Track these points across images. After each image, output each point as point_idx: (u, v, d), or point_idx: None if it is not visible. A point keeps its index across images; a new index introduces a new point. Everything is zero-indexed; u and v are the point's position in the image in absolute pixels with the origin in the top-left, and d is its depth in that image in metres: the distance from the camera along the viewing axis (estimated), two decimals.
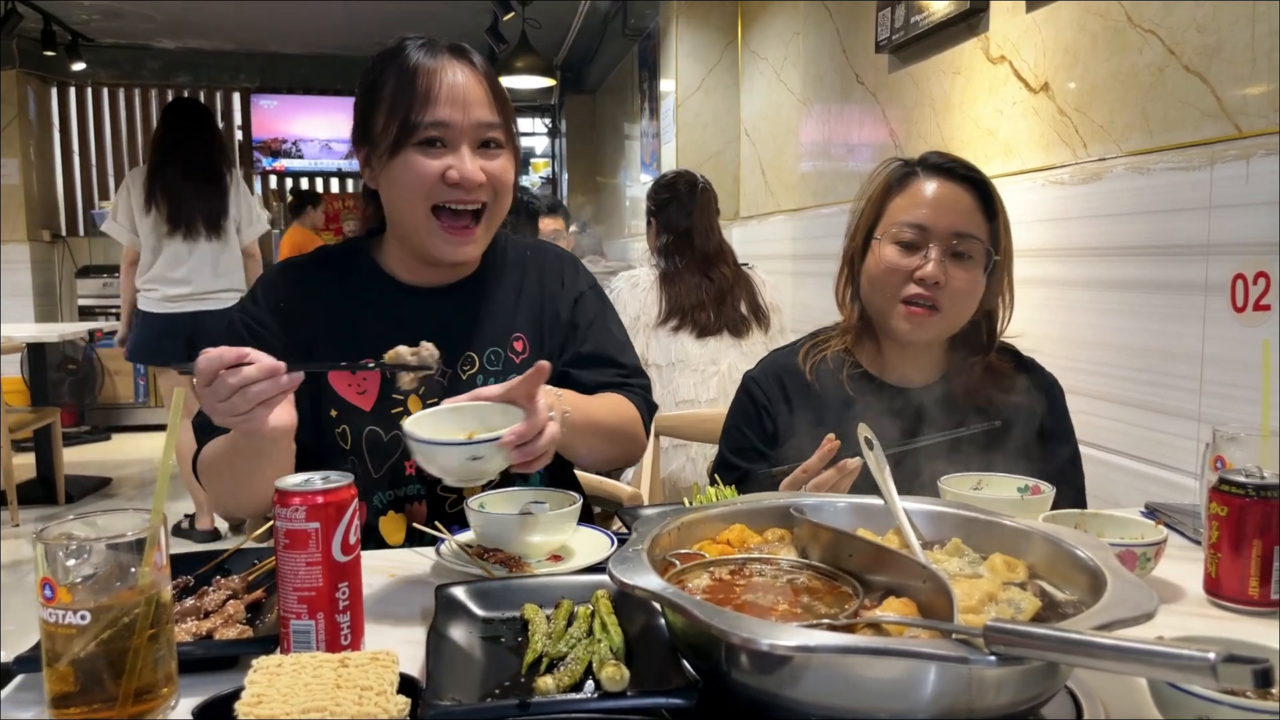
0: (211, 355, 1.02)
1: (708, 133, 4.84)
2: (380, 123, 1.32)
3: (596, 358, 1.45)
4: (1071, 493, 1.50)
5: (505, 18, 5.61)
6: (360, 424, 1.37)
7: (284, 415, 1.10)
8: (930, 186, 1.44)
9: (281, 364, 1.04)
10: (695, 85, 4.90)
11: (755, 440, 1.52)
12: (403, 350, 1.17)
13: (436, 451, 1.06)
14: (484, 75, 1.35)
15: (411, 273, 1.42)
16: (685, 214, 2.88)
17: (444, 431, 1.10)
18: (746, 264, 2.93)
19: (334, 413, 1.37)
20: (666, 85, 5.17)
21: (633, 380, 1.48)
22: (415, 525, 1.27)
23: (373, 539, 1.37)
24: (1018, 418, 1.47)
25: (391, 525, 1.38)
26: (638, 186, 6.52)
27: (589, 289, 1.53)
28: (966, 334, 1.49)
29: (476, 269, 1.46)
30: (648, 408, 1.48)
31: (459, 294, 1.43)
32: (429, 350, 1.17)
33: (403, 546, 1.34)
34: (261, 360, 1.03)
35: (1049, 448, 1.50)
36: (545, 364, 1.12)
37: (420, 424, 1.09)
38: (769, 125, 4.32)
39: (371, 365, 1.19)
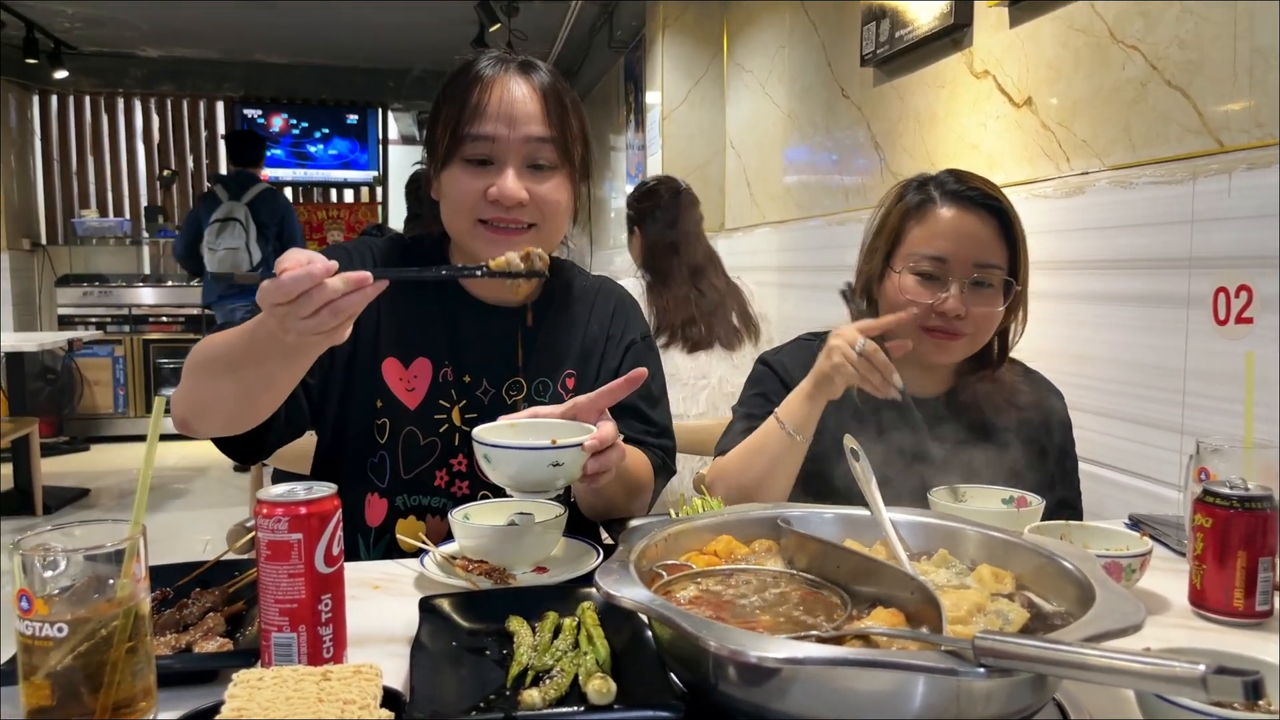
0: (298, 274, 0.91)
1: (693, 145, 4.85)
2: (438, 133, 1.32)
3: (630, 410, 1.42)
4: (1069, 508, 1.51)
5: (492, 29, 5.62)
6: (402, 421, 1.35)
7: (347, 329, 0.99)
8: (949, 216, 1.44)
9: (367, 274, 0.95)
10: (681, 97, 4.92)
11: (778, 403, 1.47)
12: (512, 256, 1.13)
13: (516, 456, 1.06)
14: (544, 92, 1.31)
15: (478, 287, 1.40)
16: (670, 222, 2.78)
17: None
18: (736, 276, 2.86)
19: (379, 404, 1.35)
20: (652, 97, 5.18)
21: (658, 441, 1.46)
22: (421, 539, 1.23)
23: (386, 539, 1.35)
24: (1023, 430, 1.48)
25: (408, 530, 1.35)
26: (623, 198, 6.52)
27: (640, 339, 1.51)
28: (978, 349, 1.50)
29: (540, 295, 1.44)
30: (665, 472, 1.45)
31: (519, 317, 1.41)
32: (539, 255, 1.14)
33: (414, 556, 1.31)
34: (349, 274, 0.95)
35: (1051, 460, 1.51)
36: (642, 371, 1.18)
37: (487, 435, 1.10)
38: (754, 138, 4.34)
39: (480, 273, 1.11)
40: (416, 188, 4.07)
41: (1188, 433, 1.66)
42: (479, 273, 1.11)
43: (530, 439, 1.13)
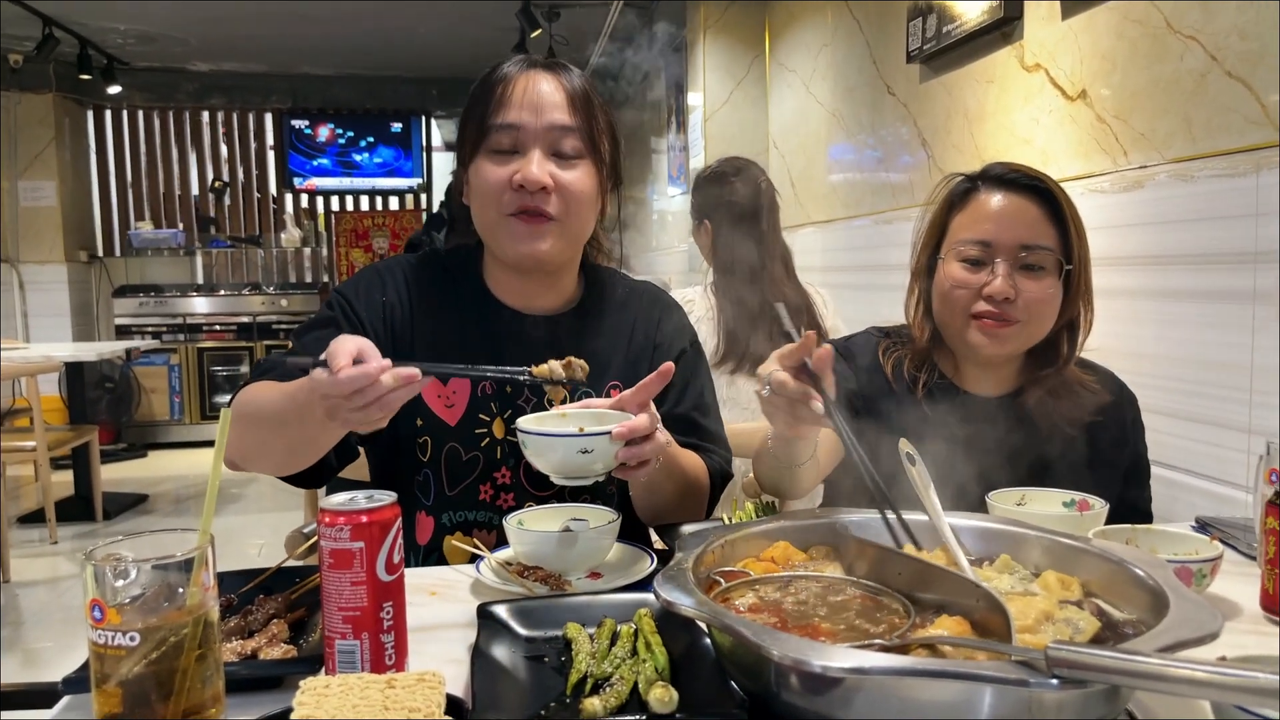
0: (355, 374, 0.96)
1: (736, 145, 4.82)
2: (465, 135, 1.33)
3: (685, 420, 1.42)
4: (1140, 515, 1.47)
5: (533, 35, 5.65)
6: (443, 438, 1.35)
7: (388, 418, 1.05)
8: (992, 200, 1.40)
9: (416, 371, 1.00)
10: (723, 98, 4.90)
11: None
12: (555, 365, 1.16)
13: (547, 443, 1.11)
14: (568, 85, 1.32)
15: (513, 296, 1.39)
16: (748, 219, 2.40)
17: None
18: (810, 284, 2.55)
19: (419, 422, 1.34)
20: (694, 99, 5.18)
21: (714, 446, 1.45)
22: (476, 545, 1.24)
23: (434, 557, 1.36)
24: (1093, 431, 1.44)
25: (456, 547, 1.34)
26: (665, 200, 6.52)
27: (690, 346, 1.49)
28: (1045, 345, 1.45)
29: (580, 302, 1.43)
30: (721, 478, 1.44)
31: (560, 326, 1.39)
32: (580, 366, 1.18)
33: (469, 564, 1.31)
34: (399, 370, 0.99)
35: (1124, 464, 1.47)
36: (669, 365, 1.17)
37: (528, 423, 1.15)
38: (798, 137, 4.31)
39: (524, 378, 1.15)
40: (452, 197, 4.09)
41: (1255, 432, 1.62)
42: (523, 378, 1.15)
43: (570, 428, 1.15)
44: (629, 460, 1.13)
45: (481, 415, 1.35)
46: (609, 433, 1.10)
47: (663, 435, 1.19)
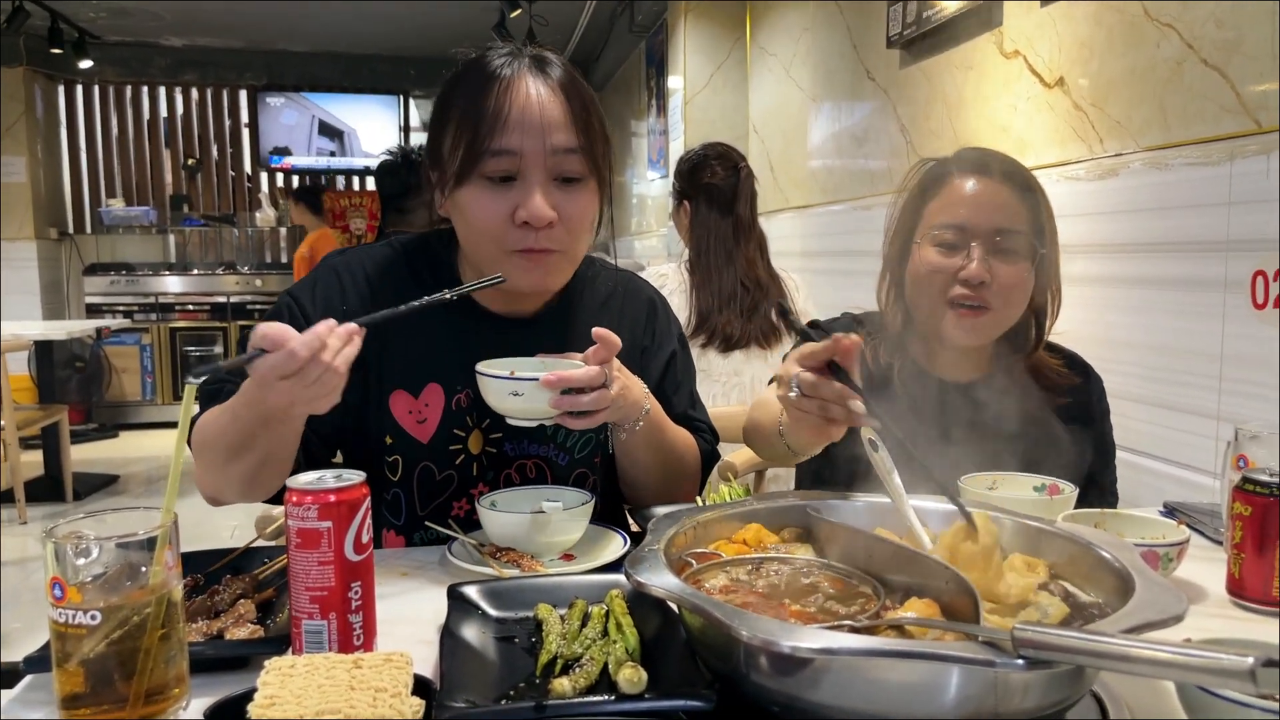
0: (307, 337, 0.92)
1: (716, 129, 4.81)
2: (448, 145, 1.21)
3: (682, 419, 1.40)
4: (1106, 495, 1.49)
5: (512, 15, 5.60)
6: (415, 457, 1.28)
7: (340, 389, 1.00)
8: (967, 185, 1.40)
9: (352, 325, 0.98)
10: (703, 82, 4.88)
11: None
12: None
13: (485, 383, 1.15)
14: (567, 92, 1.20)
15: (490, 299, 1.30)
16: (726, 203, 2.49)
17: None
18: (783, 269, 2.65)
19: (389, 440, 1.28)
20: (674, 82, 5.16)
21: (704, 431, 1.44)
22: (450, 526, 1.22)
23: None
24: (1062, 415, 1.44)
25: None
26: (645, 184, 6.50)
27: (678, 344, 1.45)
28: (1015, 331, 1.45)
29: (560, 300, 1.35)
30: (711, 456, 1.42)
31: (540, 327, 1.31)
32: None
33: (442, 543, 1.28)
34: (337, 329, 0.96)
35: (1091, 447, 1.49)
36: (616, 340, 1.13)
37: (486, 366, 1.16)
38: (778, 122, 4.30)
39: (448, 295, 1.09)
40: (388, 177, 3.90)
41: (1224, 419, 1.64)
42: (448, 295, 1.10)
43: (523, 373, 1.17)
44: (561, 407, 1.11)
45: (456, 430, 1.29)
46: (537, 379, 1.10)
47: (648, 401, 1.22)
